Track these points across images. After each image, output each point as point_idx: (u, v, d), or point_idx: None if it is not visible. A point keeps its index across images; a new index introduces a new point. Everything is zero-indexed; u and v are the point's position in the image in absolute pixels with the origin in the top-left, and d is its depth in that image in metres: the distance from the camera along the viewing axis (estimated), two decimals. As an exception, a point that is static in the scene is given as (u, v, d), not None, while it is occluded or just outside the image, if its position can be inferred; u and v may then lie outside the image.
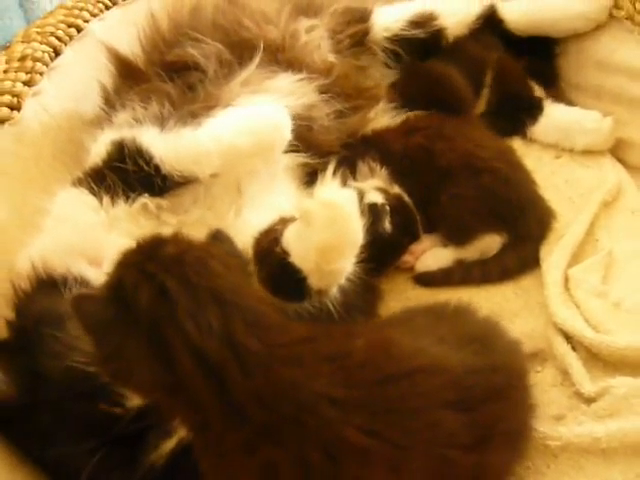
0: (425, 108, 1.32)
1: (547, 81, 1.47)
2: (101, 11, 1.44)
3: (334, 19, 1.34)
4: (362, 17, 1.38)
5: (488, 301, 1.11)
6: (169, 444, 0.77)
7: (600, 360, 0.96)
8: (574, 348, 0.99)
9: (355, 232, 0.83)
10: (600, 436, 0.83)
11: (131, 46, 1.29)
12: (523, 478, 0.84)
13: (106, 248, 0.89)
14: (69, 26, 1.34)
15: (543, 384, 0.96)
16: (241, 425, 0.66)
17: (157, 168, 0.93)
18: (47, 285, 0.87)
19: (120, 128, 1.04)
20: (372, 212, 1.03)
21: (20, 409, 0.81)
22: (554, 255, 1.13)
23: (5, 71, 1.19)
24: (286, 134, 0.99)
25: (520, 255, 1.17)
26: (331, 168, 0.99)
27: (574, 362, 0.96)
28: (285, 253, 0.85)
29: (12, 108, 1.14)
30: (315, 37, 1.27)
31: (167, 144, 0.94)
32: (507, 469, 0.78)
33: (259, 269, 0.89)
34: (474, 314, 0.89)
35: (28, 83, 1.20)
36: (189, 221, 0.97)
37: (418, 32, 1.38)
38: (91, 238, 0.92)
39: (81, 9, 1.40)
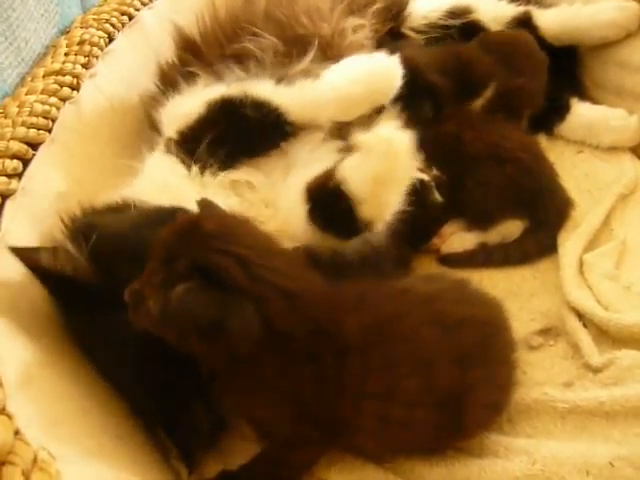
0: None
1: (572, 80, 1.51)
2: (151, 0, 1.50)
3: (374, 18, 1.38)
4: (399, 11, 1.43)
5: (507, 281, 1.16)
6: None
7: (609, 337, 1.01)
8: (585, 325, 1.04)
9: (408, 167, 0.88)
10: (604, 400, 0.88)
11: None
12: (531, 436, 0.89)
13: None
14: (122, 14, 1.40)
15: (556, 357, 1.02)
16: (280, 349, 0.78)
17: (279, 117, 0.98)
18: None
19: (204, 89, 1.08)
20: (420, 187, 1.07)
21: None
22: (571, 241, 1.18)
23: (66, 54, 1.24)
24: (397, 83, 1.02)
25: (539, 240, 1.22)
26: (393, 110, 1.03)
27: (584, 337, 1.01)
28: (339, 182, 0.88)
29: (72, 88, 1.19)
30: (360, 37, 1.31)
31: (290, 95, 0.98)
32: (487, 395, 0.84)
33: (311, 206, 0.94)
34: (446, 275, 0.96)
35: (86, 65, 1.24)
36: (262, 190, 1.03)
37: (455, 21, 1.42)
38: (180, 195, 0.97)
39: (133, -2, 1.45)
